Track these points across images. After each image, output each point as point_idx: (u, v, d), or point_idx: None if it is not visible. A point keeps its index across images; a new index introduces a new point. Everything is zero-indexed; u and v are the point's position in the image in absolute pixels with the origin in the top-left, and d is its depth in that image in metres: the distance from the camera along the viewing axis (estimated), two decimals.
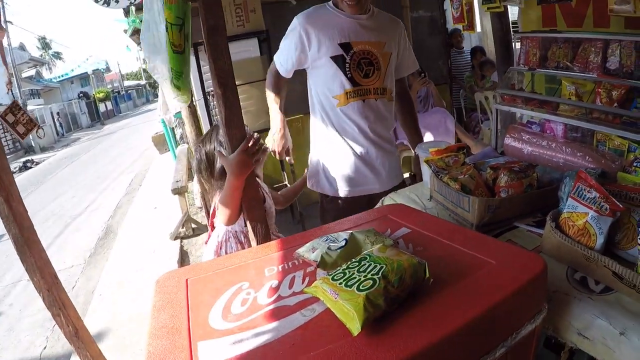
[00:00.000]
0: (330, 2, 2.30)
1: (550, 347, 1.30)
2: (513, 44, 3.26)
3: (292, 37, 2.29)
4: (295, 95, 5.22)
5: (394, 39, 2.33)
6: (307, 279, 1.14)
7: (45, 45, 50.39)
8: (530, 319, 1.04)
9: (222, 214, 1.90)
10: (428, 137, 4.61)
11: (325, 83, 2.30)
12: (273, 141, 2.45)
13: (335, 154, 2.39)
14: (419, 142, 2.44)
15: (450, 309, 0.95)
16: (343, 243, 1.16)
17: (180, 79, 2.10)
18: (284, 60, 2.36)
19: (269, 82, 2.48)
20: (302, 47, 2.26)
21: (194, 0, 1.68)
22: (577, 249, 1.20)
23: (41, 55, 45.98)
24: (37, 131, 3.02)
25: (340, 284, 0.95)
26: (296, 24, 2.27)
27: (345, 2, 2.18)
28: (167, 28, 2.01)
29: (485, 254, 1.13)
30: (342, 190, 2.40)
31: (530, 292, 1.04)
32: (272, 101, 2.46)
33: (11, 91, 2.92)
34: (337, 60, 2.22)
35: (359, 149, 2.34)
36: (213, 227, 2.11)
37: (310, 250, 1.19)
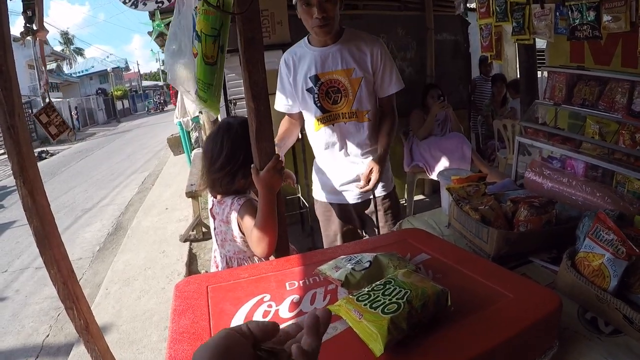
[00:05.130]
0: (306, 38, 2.49)
1: None
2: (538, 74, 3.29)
3: (279, 75, 2.56)
4: None
5: (365, 62, 2.41)
6: (328, 297, 1.16)
7: (67, 40, 50.83)
8: (541, 355, 1.05)
9: (261, 242, 1.75)
10: (444, 161, 4.63)
11: (304, 111, 2.55)
12: None
13: (318, 166, 2.73)
14: (377, 156, 2.46)
15: (468, 338, 0.97)
16: (367, 265, 1.18)
17: (208, 91, 2.12)
18: (277, 98, 2.60)
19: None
20: (287, 80, 2.51)
21: (233, 14, 1.70)
22: (590, 289, 1.21)
23: (63, 50, 46.41)
24: (68, 133, 3.08)
25: (365, 305, 0.96)
26: (281, 61, 2.53)
27: (315, 29, 2.31)
28: (200, 39, 2.03)
29: (503, 287, 1.14)
30: (321, 196, 2.77)
31: (544, 328, 1.05)
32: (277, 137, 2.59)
33: (47, 92, 2.98)
34: (310, 91, 2.43)
35: (332, 165, 2.61)
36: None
37: (334, 269, 1.21)
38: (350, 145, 2.53)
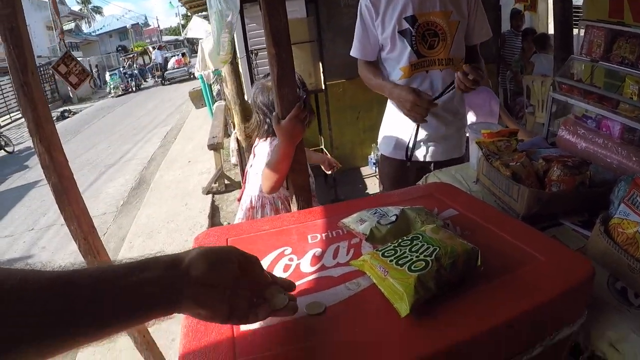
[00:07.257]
0: None
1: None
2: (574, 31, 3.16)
3: (359, 19, 2.32)
4: (337, 60, 5.20)
5: (461, 6, 2.26)
6: (351, 251, 1.12)
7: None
8: (570, 323, 0.99)
9: (268, 180, 1.87)
10: (471, 116, 4.52)
11: (392, 56, 2.32)
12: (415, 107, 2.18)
13: (398, 120, 2.42)
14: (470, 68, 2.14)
15: (498, 301, 0.91)
16: (393, 219, 1.13)
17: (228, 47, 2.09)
18: (358, 43, 2.39)
19: (363, 76, 2.47)
20: (370, 23, 2.29)
21: None
22: (623, 257, 1.14)
23: (80, 10, 46.56)
24: (90, 80, 3.05)
25: (391, 261, 0.92)
26: (361, 4, 2.30)
27: None
28: None
29: (534, 249, 1.08)
30: (398, 154, 2.46)
31: (576, 296, 0.99)
32: (376, 81, 2.37)
33: (63, 41, 2.94)
34: (404, 33, 2.22)
35: None
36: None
37: (358, 222, 1.16)
38: (444, 97, 2.29)
